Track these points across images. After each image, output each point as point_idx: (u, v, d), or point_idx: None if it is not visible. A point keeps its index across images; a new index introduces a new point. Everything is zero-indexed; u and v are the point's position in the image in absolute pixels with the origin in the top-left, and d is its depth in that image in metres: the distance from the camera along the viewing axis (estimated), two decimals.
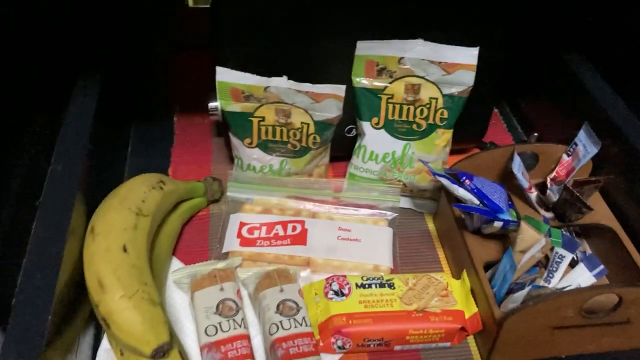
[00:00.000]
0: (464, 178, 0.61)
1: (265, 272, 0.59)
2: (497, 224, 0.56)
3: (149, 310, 0.49)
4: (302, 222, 0.66)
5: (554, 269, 0.55)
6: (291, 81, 0.61)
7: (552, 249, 0.55)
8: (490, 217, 0.56)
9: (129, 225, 0.54)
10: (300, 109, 0.63)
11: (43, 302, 0.47)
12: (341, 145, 0.71)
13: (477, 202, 0.61)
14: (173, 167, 0.76)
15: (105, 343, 0.54)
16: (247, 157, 0.67)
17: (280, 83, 0.61)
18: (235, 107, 0.63)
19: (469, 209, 0.57)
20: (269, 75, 0.61)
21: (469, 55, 0.63)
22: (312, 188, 0.69)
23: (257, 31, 0.61)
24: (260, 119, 0.64)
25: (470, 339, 0.58)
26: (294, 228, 0.66)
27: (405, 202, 0.71)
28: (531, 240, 0.53)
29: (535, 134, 0.74)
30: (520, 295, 0.51)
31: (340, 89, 0.61)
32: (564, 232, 0.57)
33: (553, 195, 0.63)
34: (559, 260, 0.55)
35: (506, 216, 0.59)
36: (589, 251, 0.63)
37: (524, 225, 0.54)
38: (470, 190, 0.60)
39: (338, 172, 0.75)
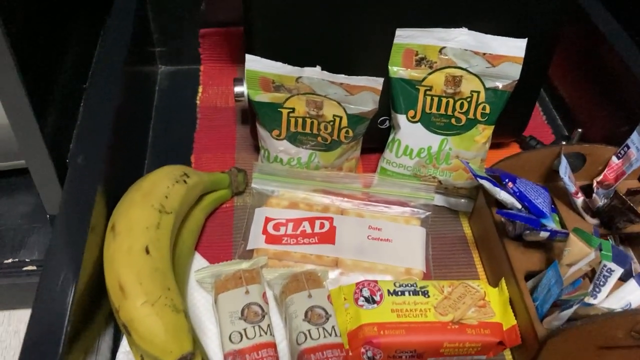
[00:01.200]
0: (507, 180, 0.57)
1: (292, 274, 0.56)
2: (544, 234, 0.53)
3: (172, 318, 0.46)
4: (330, 219, 0.63)
5: (602, 283, 0.51)
6: (325, 72, 0.57)
7: (600, 262, 0.52)
8: (537, 227, 0.52)
9: (152, 224, 0.51)
10: (333, 101, 0.59)
11: (61, 305, 0.45)
12: (373, 137, 0.67)
13: (518, 205, 0.57)
14: (196, 154, 0.72)
15: (124, 345, 0.51)
16: (274, 149, 0.64)
17: (313, 73, 0.57)
18: (264, 97, 0.59)
19: (514, 217, 0.53)
20: (302, 65, 0.57)
21: (516, 47, 0.58)
22: (341, 182, 0.66)
23: (290, 17, 0.57)
24: (290, 110, 0.60)
25: (507, 352, 0.55)
26: (322, 225, 0.63)
27: (439, 200, 0.67)
28: (580, 254, 0.50)
29: (579, 130, 0.70)
30: (566, 314, 0.47)
31: (377, 82, 0.57)
32: (614, 245, 0.53)
33: (599, 200, 0.59)
34: (607, 274, 0.51)
35: (550, 222, 0.56)
36: (635, 260, 0.59)
37: (573, 237, 0.50)
38: (513, 194, 0.57)
39: (369, 166, 0.71)
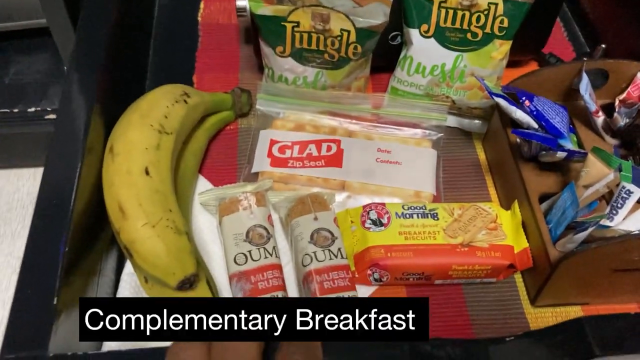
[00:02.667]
0: (524, 98, 0.54)
1: (298, 197, 0.54)
2: (561, 154, 0.50)
3: (174, 239, 0.45)
4: (337, 142, 0.61)
5: (619, 205, 0.49)
6: None
7: (618, 183, 0.49)
8: (553, 146, 0.50)
9: (151, 144, 0.49)
10: (340, 14, 0.55)
11: (58, 226, 0.44)
12: (383, 54, 0.64)
13: (535, 125, 0.54)
14: (198, 74, 0.69)
15: (129, 267, 0.51)
16: (278, 67, 0.60)
17: None
18: (267, 10, 0.56)
19: (530, 136, 0.51)
20: None
21: None
22: (350, 103, 0.63)
23: None
24: (295, 24, 0.56)
25: (517, 275, 0.54)
26: (329, 148, 0.60)
27: (452, 121, 0.64)
28: (598, 175, 0.47)
29: (602, 46, 0.65)
30: (581, 236, 0.46)
31: None
32: (635, 166, 0.50)
33: (620, 119, 0.56)
34: (625, 196, 0.49)
35: (567, 143, 0.53)
36: None
37: (592, 157, 0.48)
38: (529, 112, 0.54)
39: (379, 85, 0.68)
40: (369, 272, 0.51)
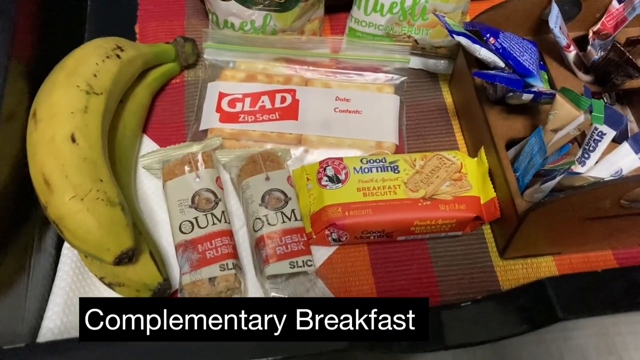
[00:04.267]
0: (488, 35, 0.49)
1: (249, 155, 0.50)
2: (527, 96, 0.46)
3: (106, 212, 0.41)
4: (292, 92, 0.56)
5: (591, 148, 0.45)
6: None
7: (590, 124, 0.46)
8: (519, 88, 0.45)
9: (78, 107, 0.44)
10: None
11: None
12: None
13: (502, 64, 0.50)
14: (140, 23, 0.64)
15: None
16: (222, 12, 0.55)
17: None
18: None
19: (492, 77, 0.46)
20: None
21: None
22: (304, 48, 0.58)
23: None
24: None
25: (486, 227, 0.51)
26: (284, 99, 0.56)
27: (415, 62, 0.60)
28: (567, 118, 0.43)
29: None
30: (549, 185, 0.42)
31: None
32: (607, 103, 0.47)
33: (594, 52, 0.52)
34: (598, 138, 0.45)
35: (537, 82, 0.49)
36: (633, 121, 0.53)
37: (559, 99, 0.44)
38: (495, 50, 0.49)
39: (336, 27, 0.63)
40: (326, 232, 0.48)
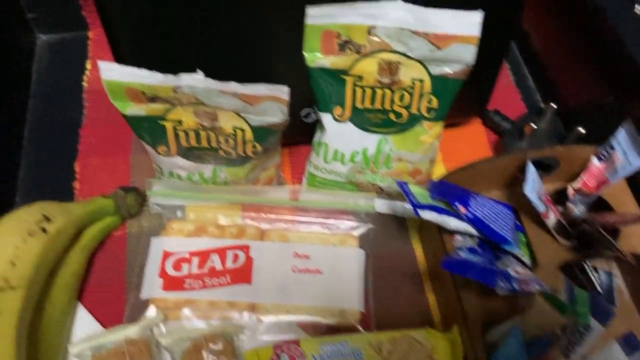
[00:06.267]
0: (457, 204, 0.44)
1: (192, 341, 0.44)
2: (501, 292, 0.41)
3: None
4: (246, 248, 0.51)
5: (576, 341, 0.40)
6: (210, 80, 0.42)
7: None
8: (492, 284, 0.40)
9: None
10: (230, 112, 0.44)
11: None
12: (298, 129, 0.53)
13: (474, 232, 0.45)
14: (81, 161, 0.58)
15: None
16: (167, 166, 0.50)
17: (195, 82, 0.42)
18: (138, 109, 0.44)
19: (464, 271, 0.41)
20: (177, 70, 0.42)
21: (468, 23, 0.44)
22: (260, 194, 0.53)
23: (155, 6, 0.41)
24: (177, 122, 0.45)
25: None
26: (236, 257, 0.50)
27: (382, 206, 0.54)
28: (549, 320, 0.38)
29: (552, 105, 0.56)
30: None
31: (282, 91, 0.42)
32: (592, 293, 0.42)
33: (575, 209, 0.48)
34: (584, 331, 0.40)
35: (513, 249, 0.44)
36: (619, 276, 0.49)
37: (539, 300, 0.39)
38: (466, 220, 0.44)
39: (298, 162, 0.58)
40: None
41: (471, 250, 0.43)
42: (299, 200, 0.53)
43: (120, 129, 0.60)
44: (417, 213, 0.43)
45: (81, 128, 0.60)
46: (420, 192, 0.45)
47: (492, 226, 0.45)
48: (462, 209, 0.44)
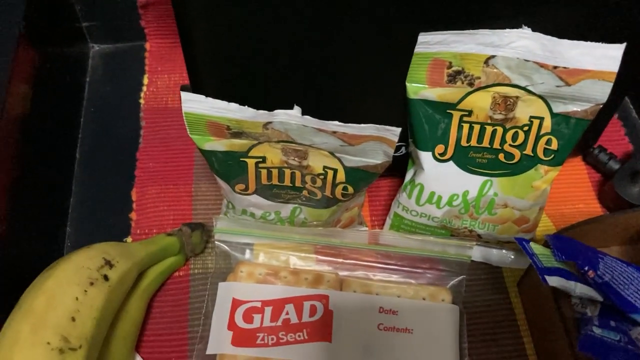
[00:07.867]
0: (586, 268, 0.38)
1: None
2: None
3: None
4: (325, 299, 0.45)
5: None
6: (308, 117, 0.36)
7: None
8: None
9: None
10: (322, 151, 0.38)
11: None
12: None
13: (599, 297, 0.39)
14: (138, 188, 0.53)
15: None
16: (242, 203, 0.44)
17: (290, 119, 0.36)
18: (218, 144, 0.39)
19: (606, 354, 0.35)
20: (271, 106, 0.36)
21: (605, 57, 0.37)
22: (338, 237, 0.47)
23: (248, 26, 0.35)
24: (259, 159, 0.40)
25: None
26: (313, 310, 0.44)
27: (476, 253, 0.48)
28: None
29: None
30: None
31: (392, 133, 0.36)
32: None
33: None
34: None
35: None
36: None
37: None
38: (594, 285, 0.38)
39: (376, 197, 0.52)
40: None
41: (603, 324, 0.37)
42: (381, 244, 0.47)
43: (180, 152, 0.55)
44: (544, 280, 0.36)
45: (137, 151, 0.55)
46: (542, 252, 0.38)
47: (622, 293, 0.38)
48: (590, 273, 0.38)
